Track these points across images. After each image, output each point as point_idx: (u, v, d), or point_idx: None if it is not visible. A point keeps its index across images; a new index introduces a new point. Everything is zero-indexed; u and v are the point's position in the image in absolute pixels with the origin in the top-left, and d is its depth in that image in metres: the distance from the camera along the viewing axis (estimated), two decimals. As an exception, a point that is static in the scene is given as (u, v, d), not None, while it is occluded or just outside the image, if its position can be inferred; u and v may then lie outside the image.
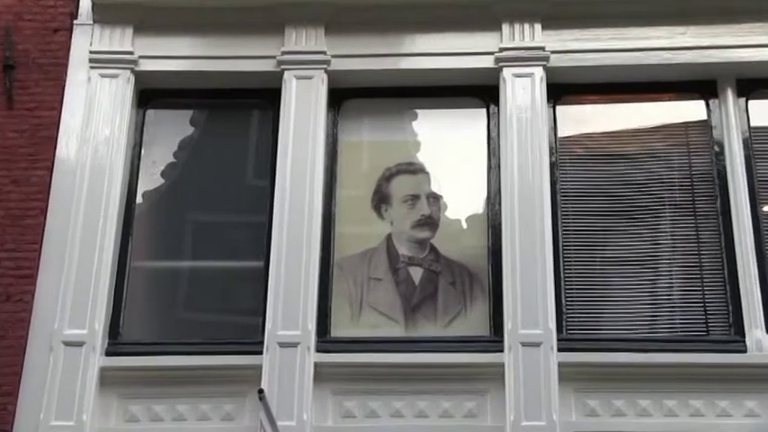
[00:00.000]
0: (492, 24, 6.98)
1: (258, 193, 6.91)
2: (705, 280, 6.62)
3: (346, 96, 7.09)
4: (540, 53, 6.94)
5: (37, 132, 6.81)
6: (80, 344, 6.37)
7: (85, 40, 7.04)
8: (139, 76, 7.04)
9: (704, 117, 6.98)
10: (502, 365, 6.30)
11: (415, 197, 6.92)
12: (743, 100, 6.94)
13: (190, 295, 6.90)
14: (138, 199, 6.97)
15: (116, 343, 6.56)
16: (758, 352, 6.35)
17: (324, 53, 7.00)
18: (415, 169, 7.02)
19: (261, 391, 6.00)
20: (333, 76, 7.00)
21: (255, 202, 6.89)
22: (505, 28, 6.99)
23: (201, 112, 7.24)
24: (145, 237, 6.93)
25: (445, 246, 6.81)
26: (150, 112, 7.14)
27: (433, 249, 6.81)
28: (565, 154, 6.94)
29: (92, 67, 6.96)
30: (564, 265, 6.64)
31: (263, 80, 7.02)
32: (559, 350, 6.32)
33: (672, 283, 6.64)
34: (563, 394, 6.26)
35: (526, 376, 6.23)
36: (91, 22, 7.07)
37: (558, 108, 7.01)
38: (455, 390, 6.34)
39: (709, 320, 6.54)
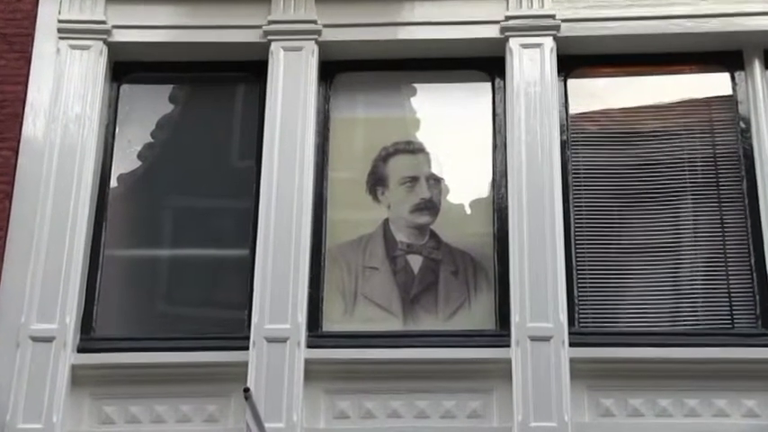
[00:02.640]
0: (497, -10, 6.98)
1: (243, 176, 6.88)
2: (730, 268, 6.57)
3: (339, 69, 7.05)
4: (550, 21, 6.89)
5: (1, 109, 6.73)
6: (49, 339, 6.33)
7: (53, 7, 6.98)
8: (113, 48, 6.98)
9: (729, 91, 6.94)
10: (509, 362, 6.28)
11: (414, 179, 6.89)
12: (772, 72, 6.93)
13: (169, 286, 6.87)
14: (113, 182, 6.93)
15: (89, 338, 6.52)
16: (788, 346, 6.32)
17: (314, 22, 6.95)
18: (414, 149, 6.99)
19: (247, 390, 5.96)
20: (324, 48, 6.95)
21: (240, 184, 6.86)
22: (512, -6, 6.98)
23: (181, 88, 7.19)
24: (120, 223, 6.88)
25: (447, 232, 6.77)
26: (125, 87, 7.09)
27: (434, 236, 6.78)
28: (577, 132, 6.89)
29: (60, 38, 6.91)
30: (576, 253, 6.60)
31: (249, 52, 6.99)
32: (571, 345, 6.29)
33: (694, 271, 6.60)
34: (575, 393, 6.23)
35: (535, 373, 6.21)
36: (59, -13, 7.04)
37: (570, 82, 6.97)
38: (458, 388, 6.32)
39: (734, 312, 6.50)
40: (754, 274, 6.51)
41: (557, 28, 6.87)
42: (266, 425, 5.94)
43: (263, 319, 6.37)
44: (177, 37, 7.01)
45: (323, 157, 6.86)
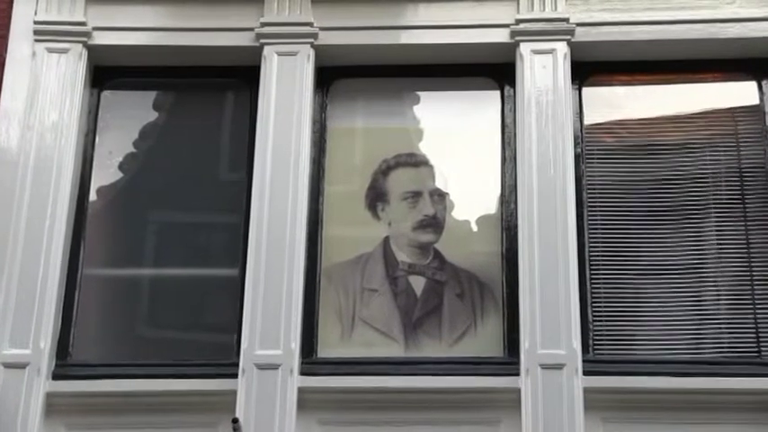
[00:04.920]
0: (507, -9, 6.95)
1: (233, 189, 6.86)
2: (757, 292, 6.53)
3: (336, 76, 7.04)
4: (564, 26, 6.87)
5: (-28, 117, 6.67)
6: (23, 365, 6.30)
7: (29, 7, 6.94)
8: (93, 51, 6.95)
9: (756, 101, 6.92)
10: (518, 391, 6.24)
11: (417, 194, 6.87)
12: (801, 81, 6.91)
13: (152, 308, 6.84)
14: (92, 196, 6.90)
15: (65, 364, 6.49)
16: (818, 376, 6.27)
17: (310, 25, 6.93)
18: (417, 161, 6.97)
19: (235, 421, 6.02)
20: (321, 52, 6.93)
21: (230, 199, 6.85)
22: (523, -5, 6.94)
23: (166, 94, 7.19)
24: (99, 240, 6.85)
25: (452, 251, 6.75)
26: (106, 94, 7.08)
27: (438, 255, 6.76)
28: (592, 144, 6.87)
29: (37, 41, 6.88)
30: (591, 275, 6.57)
31: (239, 56, 6.96)
32: (585, 373, 6.25)
33: (718, 295, 6.57)
34: (589, 425, 6.19)
35: (546, 404, 6.17)
36: (35, -14, 7.00)
37: (585, 90, 6.96)
38: (463, 419, 6.29)
39: (761, 339, 6.45)
40: (783, 299, 6.50)
41: (571, 32, 6.84)
42: (256, 459, 5.88)
43: (253, 345, 6.33)
44: (162, 40, 6.98)
45: (319, 169, 6.84)
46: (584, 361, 6.28)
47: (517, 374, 6.28)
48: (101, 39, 6.96)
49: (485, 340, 6.56)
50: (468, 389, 6.31)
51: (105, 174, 6.97)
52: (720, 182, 6.78)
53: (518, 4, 6.92)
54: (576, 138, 6.78)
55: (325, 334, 6.58)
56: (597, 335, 6.48)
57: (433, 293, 6.67)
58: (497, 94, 6.98)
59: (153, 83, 7.15)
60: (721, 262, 6.62)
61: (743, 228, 6.67)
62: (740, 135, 6.88)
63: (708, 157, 6.83)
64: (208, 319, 6.79)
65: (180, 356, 6.55)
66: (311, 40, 6.91)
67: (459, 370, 6.39)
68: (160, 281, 6.84)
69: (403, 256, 6.76)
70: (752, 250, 6.62)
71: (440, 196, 6.87)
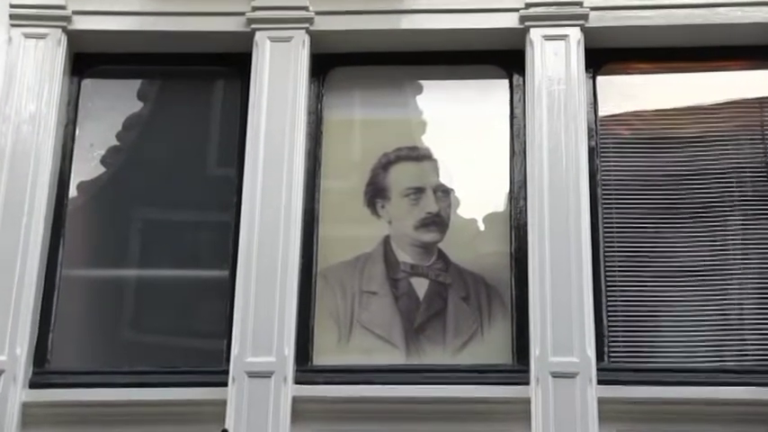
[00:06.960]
0: (516, -27, 6.91)
1: (223, 185, 6.86)
2: (785, 295, 6.47)
3: (334, 63, 7.03)
4: (577, 10, 6.84)
5: (-56, 108, 6.63)
6: (-2, 373, 6.26)
7: (5, -10, 6.94)
8: (73, 37, 6.94)
9: (783, 90, 6.87)
10: (528, 401, 6.21)
11: (419, 190, 6.85)
12: (832, 69, 6.85)
13: (136, 312, 6.83)
14: (72, 191, 6.89)
15: (43, 372, 6.46)
16: None
17: (305, 9, 6.91)
18: (420, 155, 6.95)
19: None
20: (317, 38, 6.92)
21: (219, 195, 6.85)
22: (533, -22, 6.90)
23: (152, 83, 7.18)
24: (80, 239, 6.84)
25: (457, 251, 6.73)
26: (87, 82, 7.07)
27: (442, 255, 6.73)
28: (607, 136, 6.85)
29: (13, 25, 6.88)
30: (606, 276, 6.54)
31: (229, 43, 6.96)
32: (599, 382, 6.21)
33: (743, 298, 6.52)
34: (604, 438, 6.13)
35: (558, 415, 6.14)
36: (11, -32, 6.99)
37: (600, 79, 6.93)
38: (469, 431, 6.26)
39: (789, 346, 6.39)
40: (813, 302, 6.42)
41: (584, 17, 6.82)
42: (247, 473, 5.86)
43: (244, 351, 6.30)
44: (147, 25, 6.97)
45: (314, 164, 6.83)
46: (598, 369, 6.24)
47: (527, 383, 6.24)
48: (81, 23, 6.94)
49: (492, 347, 6.54)
50: (474, 399, 6.28)
51: (86, 168, 6.95)
52: (745, 177, 6.74)
53: (528, -14, 6.90)
54: (589, 130, 6.75)
55: (322, 340, 6.56)
56: (612, 341, 6.45)
57: (437, 296, 6.65)
58: (506, 82, 6.97)
59: (137, 71, 7.15)
60: (746, 263, 6.57)
61: (770, 226, 6.64)
62: (766, 127, 6.85)
63: (732, 151, 6.79)
64: (196, 323, 6.76)
65: (166, 363, 6.53)
66: (306, 25, 6.89)
67: (464, 378, 6.37)
68: (145, 283, 6.82)
69: (404, 256, 6.74)
70: (779, 250, 6.57)
71: (444, 193, 6.85)
